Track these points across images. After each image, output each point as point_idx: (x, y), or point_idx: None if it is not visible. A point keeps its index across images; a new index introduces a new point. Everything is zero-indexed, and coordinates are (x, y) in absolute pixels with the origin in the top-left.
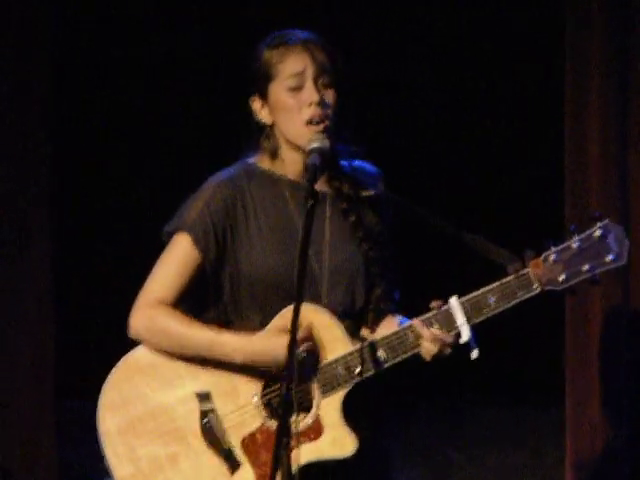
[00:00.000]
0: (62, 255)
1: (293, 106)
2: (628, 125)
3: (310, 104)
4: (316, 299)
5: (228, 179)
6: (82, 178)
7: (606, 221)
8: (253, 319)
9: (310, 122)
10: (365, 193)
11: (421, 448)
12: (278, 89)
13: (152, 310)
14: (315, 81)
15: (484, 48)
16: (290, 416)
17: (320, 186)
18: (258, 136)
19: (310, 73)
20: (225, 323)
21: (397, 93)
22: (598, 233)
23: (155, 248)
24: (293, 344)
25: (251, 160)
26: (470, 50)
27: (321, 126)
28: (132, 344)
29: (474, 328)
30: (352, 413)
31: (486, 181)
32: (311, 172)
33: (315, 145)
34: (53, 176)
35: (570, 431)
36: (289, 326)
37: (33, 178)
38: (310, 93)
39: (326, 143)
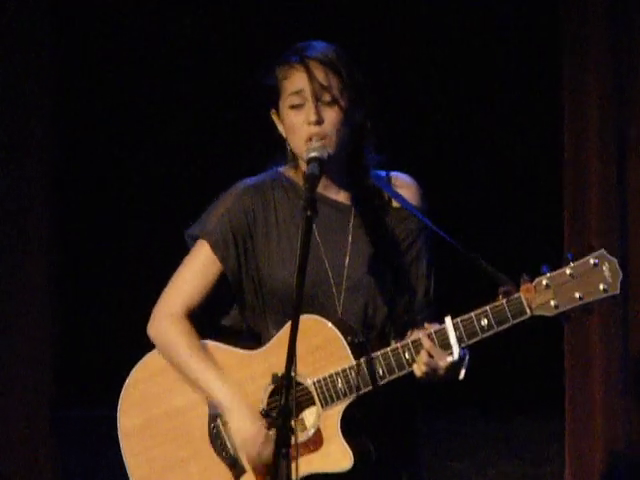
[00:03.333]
0: (60, 264)
1: (295, 124)
2: (627, 136)
3: (309, 123)
4: (331, 312)
5: (253, 186)
6: (82, 177)
7: (601, 251)
8: (276, 330)
9: (309, 140)
10: (395, 205)
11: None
12: (284, 106)
13: (168, 322)
14: (315, 99)
15: (480, 58)
16: (289, 426)
17: (346, 198)
18: (282, 147)
19: (309, 92)
20: (248, 330)
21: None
22: (592, 262)
23: (156, 257)
24: (291, 357)
25: (281, 169)
26: (465, 61)
27: (319, 145)
28: (130, 356)
29: (469, 349)
30: (354, 427)
31: (484, 201)
32: (310, 182)
33: (313, 154)
34: (53, 176)
35: (569, 441)
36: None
37: (32, 178)
38: (307, 113)
39: (324, 153)
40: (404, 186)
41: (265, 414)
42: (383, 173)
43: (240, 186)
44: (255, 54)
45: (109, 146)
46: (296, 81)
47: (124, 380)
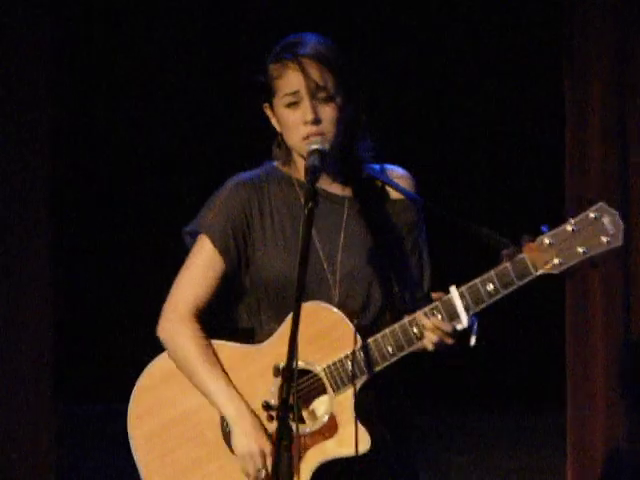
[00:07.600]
0: (62, 255)
1: (291, 122)
2: (629, 121)
3: (305, 123)
4: (328, 301)
5: (247, 180)
6: (82, 176)
7: (600, 204)
8: (269, 324)
9: (307, 138)
10: (390, 197)
11: (424, 451)
12: (278, 104)
13: (178, 324)
14: (311, 97)
15: (486, 56)
16: (288, 418)
17: (340, 189)
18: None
19: (305, 91)
20: (246, 327)
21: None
22: (593, 215)
23: (156, 255)
24: (293, 348)
25: (275, 163)
26: (472, 58)
27: (319, 139)
28: (131, 351)
29: (478, 316)
30: (367, 410)
31: (488, 183)
32: (311, 173)
33: (314, 147)
34: (54, 176)
35: (571, 434)
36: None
37: (33, 178)
38: (304, 112)
39: (325, 144)
40: (398, 178)
41: (266, 406)
42: (377, 166)
43: (235, 180)
44: (247, 51)
45: (109, 146)
46: (291, 81)
47: (125, 374)
